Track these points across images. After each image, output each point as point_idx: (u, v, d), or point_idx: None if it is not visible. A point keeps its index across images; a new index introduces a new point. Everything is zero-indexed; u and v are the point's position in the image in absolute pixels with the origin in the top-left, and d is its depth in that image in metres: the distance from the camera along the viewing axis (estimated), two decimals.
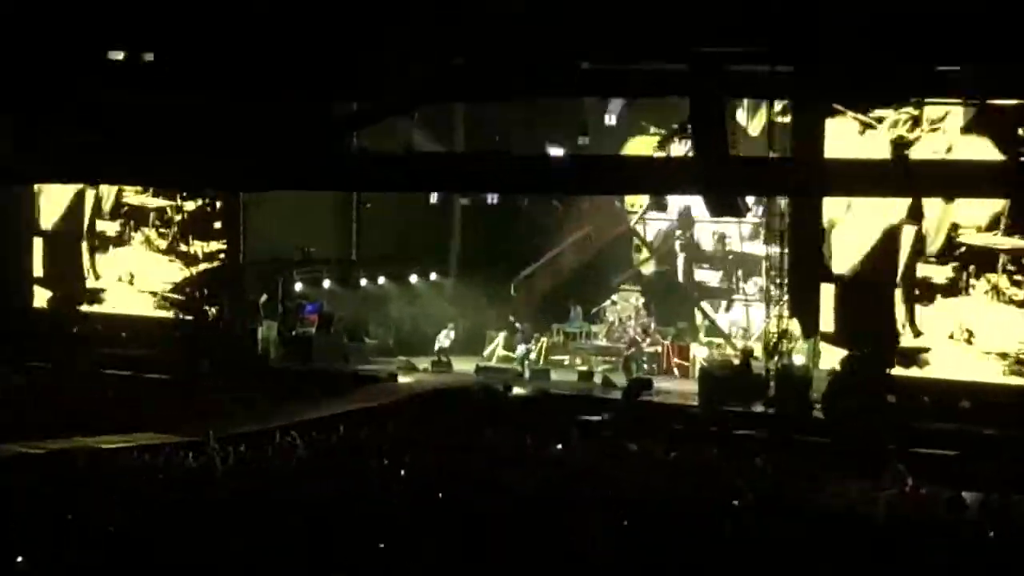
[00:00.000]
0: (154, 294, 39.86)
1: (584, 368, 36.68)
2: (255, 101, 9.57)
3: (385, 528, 19.45)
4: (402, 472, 24.24)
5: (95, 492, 22.40)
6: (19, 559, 18.44)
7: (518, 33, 9.75)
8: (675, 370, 36.33)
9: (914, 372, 30.98)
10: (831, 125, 30.75)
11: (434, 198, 40.32)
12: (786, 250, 32.53)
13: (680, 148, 35.43)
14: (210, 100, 9.52)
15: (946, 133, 30.18)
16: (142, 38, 9.78)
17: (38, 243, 42.01)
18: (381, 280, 40.68)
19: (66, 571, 18.39)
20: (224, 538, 19.15)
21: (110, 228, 40.87)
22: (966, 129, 29.82)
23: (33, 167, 11.91)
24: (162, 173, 10.98)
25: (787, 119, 31.89)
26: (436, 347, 37.64)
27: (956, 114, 29.94)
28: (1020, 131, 29.34)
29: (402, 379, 35.93)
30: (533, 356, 36.99)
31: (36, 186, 39.93)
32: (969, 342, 30.51)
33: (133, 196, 40.10)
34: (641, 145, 37.68)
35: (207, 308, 38.39)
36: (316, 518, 19.96)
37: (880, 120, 30.70)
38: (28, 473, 24.39)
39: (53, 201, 41.55)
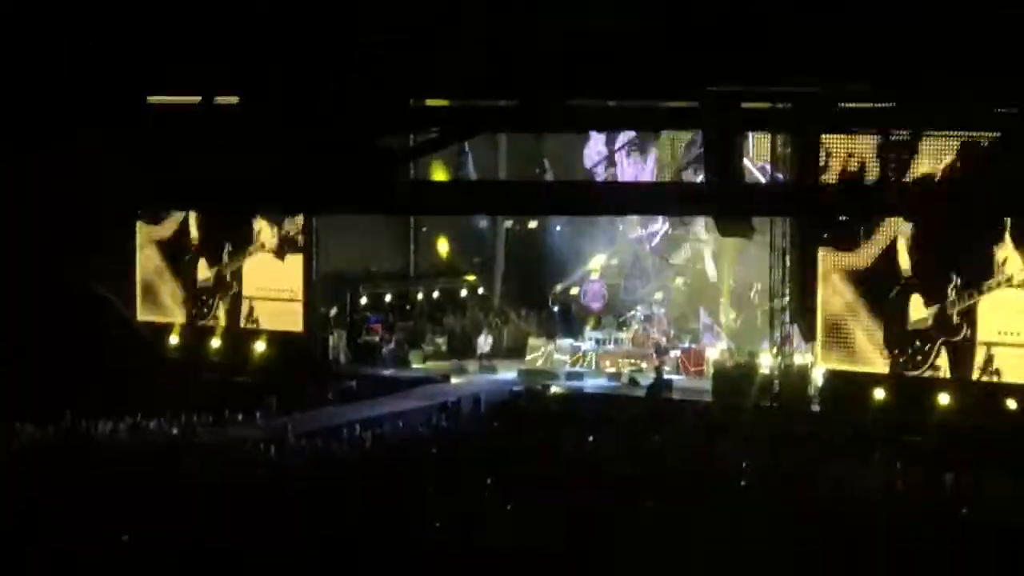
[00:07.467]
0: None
1: (613, 370, 36.44)
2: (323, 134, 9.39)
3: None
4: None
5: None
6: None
7: (555, 71, 9.49)
8: (690, 372, 35.89)
9: None
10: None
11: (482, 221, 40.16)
12: (787, 265, 32.02)
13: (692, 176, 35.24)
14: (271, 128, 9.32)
15: None
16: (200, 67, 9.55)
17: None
18: (435, 294, 40.72)
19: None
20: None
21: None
22: None
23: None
24: (217, 198, 10.75)
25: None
26: (478, 352, 37.58)
27: None
28: None
29: (454, 380, 35.76)
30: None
31: None
32: None
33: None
34: None
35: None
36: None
37: None
38: None
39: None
